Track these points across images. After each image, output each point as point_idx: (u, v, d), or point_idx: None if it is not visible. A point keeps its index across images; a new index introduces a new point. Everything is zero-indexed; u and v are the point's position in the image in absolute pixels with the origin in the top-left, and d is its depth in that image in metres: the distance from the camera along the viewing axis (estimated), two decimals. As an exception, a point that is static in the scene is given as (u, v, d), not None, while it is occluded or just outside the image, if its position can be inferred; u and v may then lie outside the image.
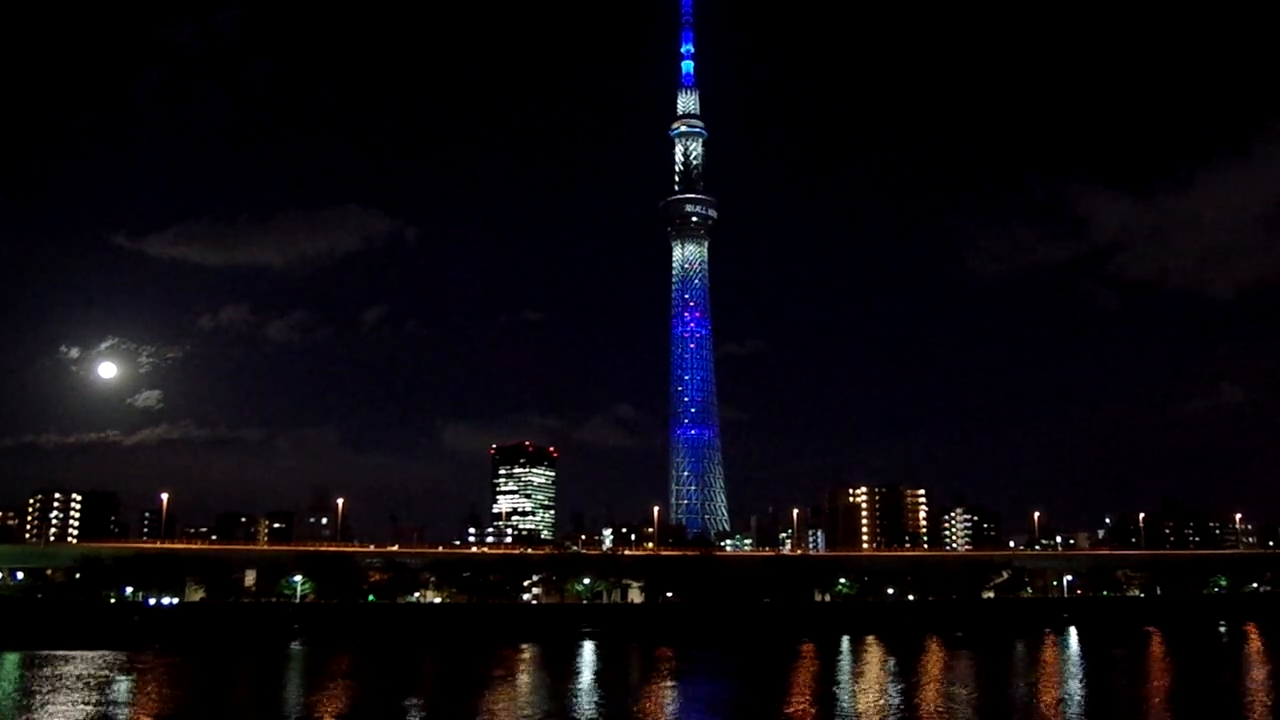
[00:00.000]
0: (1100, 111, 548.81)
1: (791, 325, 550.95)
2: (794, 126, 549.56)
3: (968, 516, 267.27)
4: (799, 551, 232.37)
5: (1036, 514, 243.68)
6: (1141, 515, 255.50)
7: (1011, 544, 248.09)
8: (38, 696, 76.12)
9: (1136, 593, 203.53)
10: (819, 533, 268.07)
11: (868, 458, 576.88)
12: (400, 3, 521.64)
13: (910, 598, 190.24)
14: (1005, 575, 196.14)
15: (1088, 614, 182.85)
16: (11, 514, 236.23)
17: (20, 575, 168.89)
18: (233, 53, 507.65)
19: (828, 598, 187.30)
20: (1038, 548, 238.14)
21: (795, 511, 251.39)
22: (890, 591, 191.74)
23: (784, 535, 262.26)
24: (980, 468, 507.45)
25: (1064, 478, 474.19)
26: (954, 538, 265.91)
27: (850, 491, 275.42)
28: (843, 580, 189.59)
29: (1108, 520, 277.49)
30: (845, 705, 74.30)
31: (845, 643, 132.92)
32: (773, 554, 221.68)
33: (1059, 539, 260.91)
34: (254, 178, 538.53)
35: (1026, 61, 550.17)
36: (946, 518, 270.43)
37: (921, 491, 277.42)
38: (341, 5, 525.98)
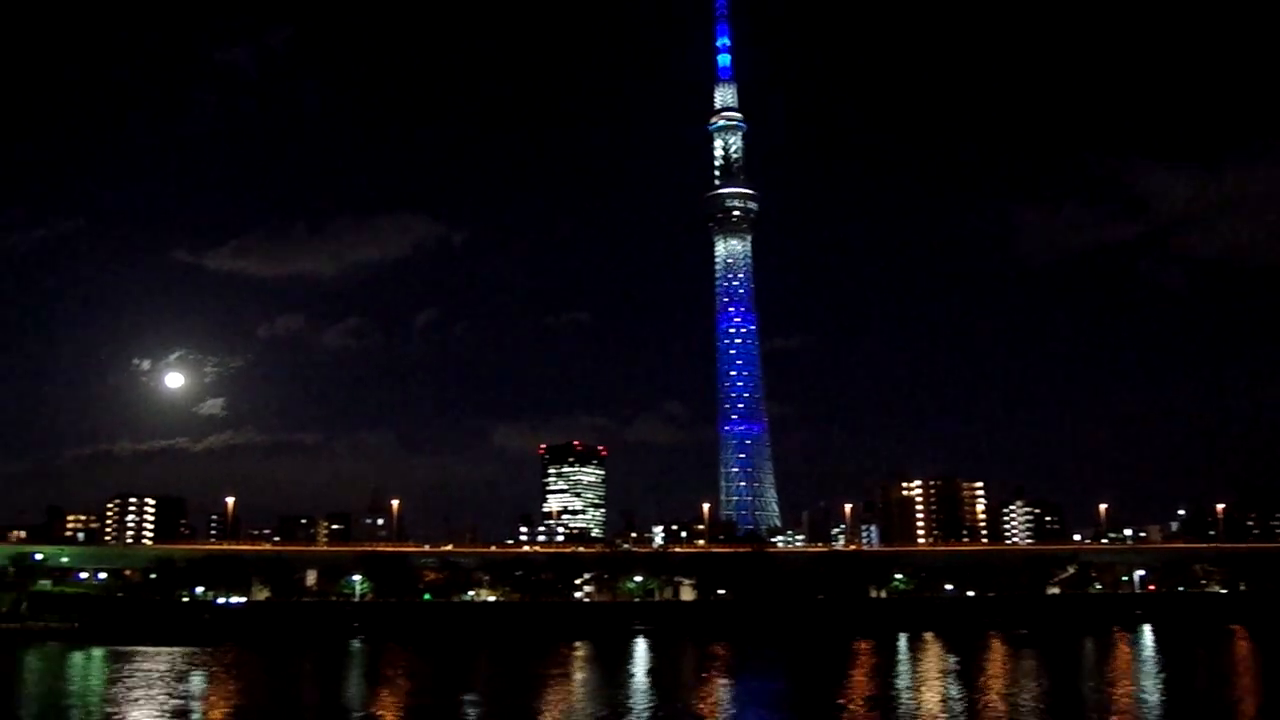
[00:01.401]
0: (1161, 82, 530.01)
1: (838, 317, 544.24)
2: (834, 115, 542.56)
3: (1029, 509, 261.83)
4: (852, 547, 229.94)
5: (1103, 506, 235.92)
6: (1220, 506, 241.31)
7: (1076, 537, 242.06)
8: (123, 690, 78.95)
9: (1217, 589, 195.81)
10: (873, 528, 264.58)
11: (921, 450, 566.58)
12: (439, 11, 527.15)
13: (970, 594, 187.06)
14: (1071, 570, 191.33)
15: (1163, 611, 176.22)
16: (93, 517, 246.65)
17: (102, 575, 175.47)
18: (284, 70, 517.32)
19: (883, 594, 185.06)
20: (1105, 541, 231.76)
21: (848, 506, 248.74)
22: (949, 588, 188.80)
23: (837, 531, 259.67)
24: (1040, 459, 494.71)
25: (1132, 468, 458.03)
26: (1014, 532, 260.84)
27: (904, 485, 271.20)
28: (898, 576, 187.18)
29: (1181, 512, 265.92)
30: (904, 704, 73.07)
31: (902, 640, 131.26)
32: (826, 550, 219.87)
33: (1128, 532, 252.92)
34: (305, 191, 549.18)
35: (1079, 33, 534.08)
36: (1006, 511, 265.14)
37: (979, 484, 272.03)
38: (385, 18, 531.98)
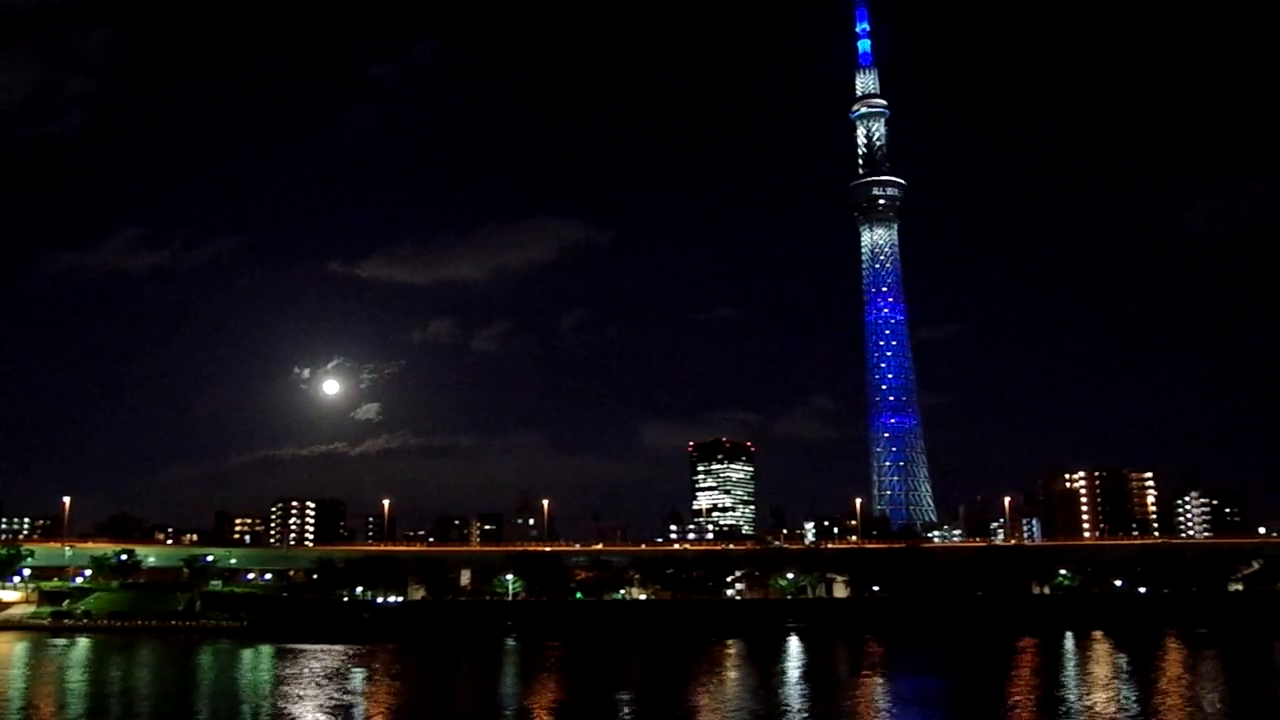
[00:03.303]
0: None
1: (991, 303, 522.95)
2: (981, 94, 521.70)
3: (1205, 500, 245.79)
4: (1013, 542, 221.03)
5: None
6: None
7: (1261, 530, 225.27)
8: (291, 686, 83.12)
9: None
10: (1034, 521, 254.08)
11: (1083, 440, 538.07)
12: (575, 16, 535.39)
13: (1141, 590, 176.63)
14: (1256, 565, 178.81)
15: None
16: (258, 520, 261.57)
17: (268, 576, 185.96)
18: (430, 83, 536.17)
19: (1046, 591, 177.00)
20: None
21: (1007, 499, 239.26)
22: (1118, 584, 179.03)
23: (995, 525, 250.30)
24: (1216, 448, 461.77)
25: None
26: (1190, 524, 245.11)
27: (1066, 477, 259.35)
28: (1063, 572, 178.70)
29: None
30: (1073, 706, 69.31)
31: (1069, 639, 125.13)
32: (985, 545, 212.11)
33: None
34: (453, 198, 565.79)
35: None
36: (1180, 502, 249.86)
37: (1148, 475, 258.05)
38: (524, 26, 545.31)
